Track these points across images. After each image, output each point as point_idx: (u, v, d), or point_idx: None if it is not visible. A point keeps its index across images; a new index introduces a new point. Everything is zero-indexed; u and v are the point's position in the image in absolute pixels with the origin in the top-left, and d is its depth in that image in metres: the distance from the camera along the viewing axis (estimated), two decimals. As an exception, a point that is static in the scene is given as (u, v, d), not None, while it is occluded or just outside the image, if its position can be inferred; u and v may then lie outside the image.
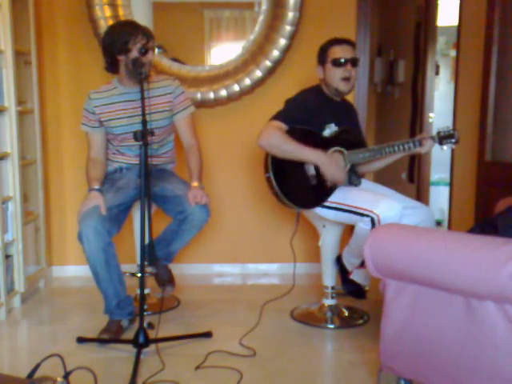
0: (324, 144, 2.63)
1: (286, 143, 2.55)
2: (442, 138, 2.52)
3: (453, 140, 2.51)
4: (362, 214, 2.46)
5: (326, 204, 2.61)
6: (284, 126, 2.59)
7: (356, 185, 2.65)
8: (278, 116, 2.63)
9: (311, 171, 2.61)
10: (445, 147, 2.53)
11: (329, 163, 2.56)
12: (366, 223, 2.44)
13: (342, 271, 2.73)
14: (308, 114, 2.63)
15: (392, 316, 1.85)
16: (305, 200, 2.66)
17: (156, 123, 2.68)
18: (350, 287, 2.73)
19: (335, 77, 2.65)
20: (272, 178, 2.62)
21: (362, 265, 2.57)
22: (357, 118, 2.90)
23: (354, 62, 2.65)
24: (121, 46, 2.55)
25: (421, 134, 2.64)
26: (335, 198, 2.60)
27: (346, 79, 2.65)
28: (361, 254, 2.51)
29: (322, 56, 2.69)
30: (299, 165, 2.61)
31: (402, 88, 4.80)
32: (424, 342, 1.76)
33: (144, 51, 2.56)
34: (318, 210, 2.64)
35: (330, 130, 2.67)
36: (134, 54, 2.56)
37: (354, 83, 2.73)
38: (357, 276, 2.66)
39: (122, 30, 2.59)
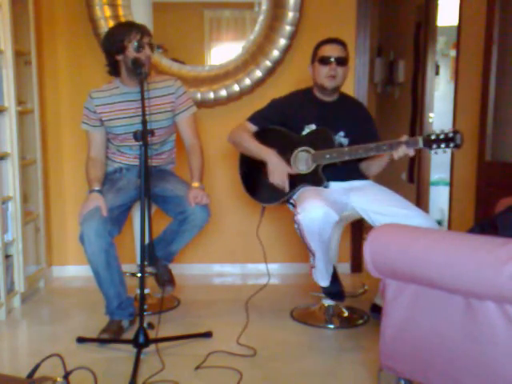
0: (293, 144, 2.71)
1: (245, 141, 2.75)
2: (433, 142, 2.37)
3: (451, 144, 2.34)
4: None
5: (292, 202, 2.67)
6: (252, 127, 2.78)
7: (321, 186, 2.65)
8: (251, 116, 2.82)
9: None
10: (440, 151, 2.37)
11: (276, 167, 2.64)
12: (295, 222, 2.50)
13: None
14: (285, 115, 2.74)
15: (392, 316, 1.85)
16: (265, 196, 2.76)
17: (158, 123, 2.68)
18: (326, 288, 2.72)
19: (321, 74, 2.70)
20: (238, 173, 2.84)
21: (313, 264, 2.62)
22: (364, 118, 2.85)
23: (339, 61, 2.68)
24: (117, 46, 2.59)
25: (421, 132, 2.59)
26: (295, 196, 2.66)
27: (331, 77, 2.68)
28: (310, 253, 2.57)
29: (313, 54, 2.76)
30: (263, 162, 2.71)
31: (402, 88, 4.80)
32: (424, 341, 1.76)
33: (139, 47, 2.57)
34: (290, 207, 2.71)
35: (309, 130, 2.71)
36: (131, 51, 2.58)
37: (343, 81, 2.74)
38: (314, 275, 2.67)
39: (117, 31, 2.64)
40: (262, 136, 2.77)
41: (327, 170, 2.66)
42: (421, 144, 2.41)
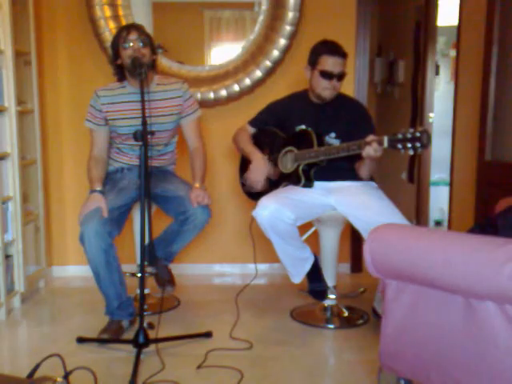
0: (281, 143, 2.80)
1: (240, 142, 2.90)
2: (397, 142, 2.25)
3: (417, 144, 2.18)
4: None
5: None
6: (250, 129, 2.92)
7: (299, 185, 2.69)
8: (251, 119, 2.94)
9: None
10: (407, 151, 2.22)
11: (256, 167, 2.75)
12: None
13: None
14: (278, 117, 2.84)
15: (392, 316, 1.85)
16: (256, 193, 2.82)
17: (164, 125, 2.70)
18: (311, 286, 2.77)
19: (319, 85, 2.70)
20: (238, 171, 2.97)
21: None
22: (360, 117, 2.82)
23: (340, 77, 2.69)
24: (114, 52, 2.65)
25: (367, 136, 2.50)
26: None
27: (330, 89, 2.70)
28: None
29: (313, 59, 2.72)
30: None
31: (402, 88, 4.80)
32: (424, 341, 1.76)
33: (126, 44, 2.58)
34: None
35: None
36: (122, 52, 2.60)
37: (339, 90, 2.77)
38: None
39: (112, 38, 2.70)
40: (258, 137, 2.91)
41: (314, 169, 2.70)
42: (386, 143, 2.31)
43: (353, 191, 2.66)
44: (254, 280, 3.12)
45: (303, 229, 3.01)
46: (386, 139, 2.31)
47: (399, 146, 2.24)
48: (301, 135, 2.73)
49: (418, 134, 2.18)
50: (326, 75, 2.66)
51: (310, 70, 2.73)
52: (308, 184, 2.69)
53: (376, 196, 2.65)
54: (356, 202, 2.58)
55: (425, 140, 2.17)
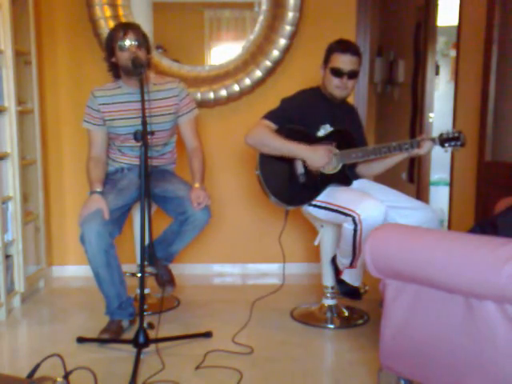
0: (316, 143, 2.65)
1: (271, 140, 2.60)
2: (445, 140, 2.52)
3: (458, 143, 2.52)
4: (346, 214, 2.47)
5: (317, 203, 2.63)
6: (272, 125, 2.64)
7: (349, 185, 2.67)
8: (268, 115, 2.68)
9: (300, 169, 2.64)
10: (449, 149, 2.54)
11: (312, 155, 2.58)
12: (349, 223, 2.46)
13: (336, 271, 2.74)
14: (301, 114, 2.67)
15: (392, 316, 1.85)
16: (291, 198, 2.68)
17: (161, 125, 2.70)
18: (344, 288, 2.72)
19: (330, 83, 2.67)
20: (260, 175, 2.67)
21: (352, 265, 2.58)
22: (359, 121, 2.89)
23: (351, 75, 2.64)
24: (109, 49, 2.63)
25: (420, 134, 2.62)
26: (324, 197, 2.62)
27: (341, 88, 2.66)
28: (349, 254, 2.53)
29: (326, 57, 2.69)
30: (288, 163, 2.65)
31: (402, 88, 4.80)
32: (424, 341, 1.76)
33: (122, 45, 2.57)
34: (310, 209, 2.67)
35: (324, 130, 2.70)
36: (117, 51, 2.59)
37: (351, 92, 2.74)
38: (347, 276, 2.66)
39: (108, 35, 2.68)
40: (281, 135, 2.64)
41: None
42: (437, 142, 2.55)
43: (375, 186, 2.70)
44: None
45: (314, 233, 3.01)
46: (437, 138, 2.56)
47: (446, 144, 2.53)
48: (338, 134, 2.68)
49: (456, 134, 2.53)
50: (337, 72, 2.63)
51: (323, 69, 2.71)
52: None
53: (384, 186, 2.73)
54: (389, 194, 2.64)
55: (462, 139, 2.53)
